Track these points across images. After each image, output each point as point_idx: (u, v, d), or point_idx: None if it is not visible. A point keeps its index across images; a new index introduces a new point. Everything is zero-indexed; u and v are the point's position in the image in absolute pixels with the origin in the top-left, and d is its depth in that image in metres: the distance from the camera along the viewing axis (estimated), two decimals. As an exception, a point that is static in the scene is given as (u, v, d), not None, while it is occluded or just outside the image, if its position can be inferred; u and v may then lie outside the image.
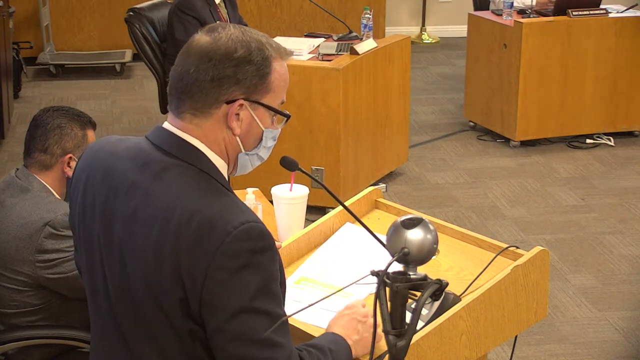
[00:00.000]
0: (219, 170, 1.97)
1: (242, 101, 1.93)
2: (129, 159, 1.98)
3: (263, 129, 1.99)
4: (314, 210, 4.32)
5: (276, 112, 1.99)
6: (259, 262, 1.86)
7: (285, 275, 2.05)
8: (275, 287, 1.90)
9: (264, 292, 1.87)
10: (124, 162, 1.98)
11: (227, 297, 1.85)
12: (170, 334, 1.92)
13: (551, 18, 6.29)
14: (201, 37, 1.96)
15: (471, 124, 6.81)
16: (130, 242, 1.93)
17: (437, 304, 2.11)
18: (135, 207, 1.92)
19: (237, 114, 1.94)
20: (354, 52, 5.29)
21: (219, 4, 5.52)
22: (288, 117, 2.02)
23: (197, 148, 1.95)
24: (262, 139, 2.00)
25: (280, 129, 2.04)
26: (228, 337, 1.87)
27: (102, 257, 2.00)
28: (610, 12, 6.38)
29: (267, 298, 1.87)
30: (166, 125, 2.00)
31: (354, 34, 5.76)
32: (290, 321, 2.16)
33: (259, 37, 1.97)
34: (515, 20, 6.22)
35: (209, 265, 1.84)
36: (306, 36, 6.00)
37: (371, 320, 2.15)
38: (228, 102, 1.93)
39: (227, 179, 2.02)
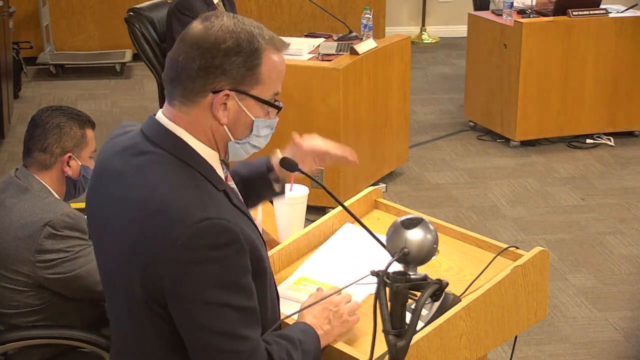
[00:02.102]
0: (204, 161, 1.99)
1: (227, 92, 1.94)
2: (122, 148, 2.03)
3: (253, 119, 1.99)
4: (314, 210, 4.31)
5: (266, 103, 1.99)
6: (221, 256, 1.87)
7: (271, 266, 2.07)
8: (243, 280, 1.91)
9: (228, 285, 1.88)
10: (118, 152, 2.03)
11: (187, 288, 1.87)
12: (145, 318, 1.96)
13: (551, 18, 6.29)
14: (195, 26, 1.98)
15: (471, 124, 6.81)
16: (112, 229, 1.99)
17: (437, 304, 2.11)
18: (118, 196, 1.98)
19: (224, 104, 1.95)
20: (354, 52, 5.29)
21: (217, 3, 5.52)
22: (279, 109, 2.03)
23: (181, 138, 1.97)
24: (252, 128, 2.00)
25: (277, 119, 2.05)
26: (191, 325, 1.90)
27: (100, 242, 2.08)
28: (610, 12, 6.38)
29: (232, 291, 1.89)
30: (158, 114, 2.03)
31: (354, 34, 5.75)
32: (290, 321, 2.17)
33: (251, 28, 1.97)
34: (515, 20, 6.22)
35: (169, 257, 1.86)
36: (306, 36, 6.00)
37: (343, 308, 2.18)
38: (214, 92, 1.94)
39: (222, 166, 2.04)
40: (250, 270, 1.92)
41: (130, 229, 1.93)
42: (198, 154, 1.98)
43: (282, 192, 2.44)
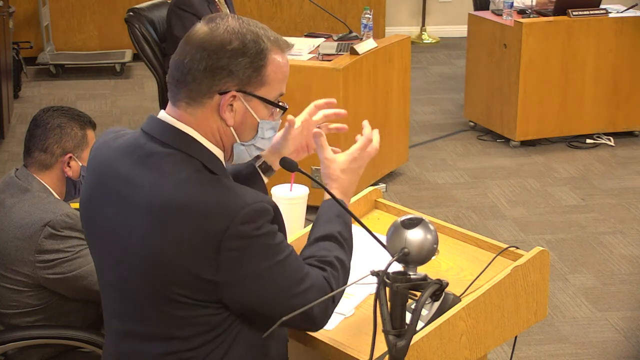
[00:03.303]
0: (215, 157, 2.00)
1: (234, 93, 1.96)
2: (125, 153, 2.01)
3: (258, 120, 2.00)
4: (314, 210, 4.30)
5: (271, 104, 2.01)
6: (263, 232, 1.93)
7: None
8: (279, 238, 1.98)
9: (275, 247, 1.96)
10: (121, 157, 2.01)
11: (247, 267, 1.92)
12: (163, 316, 1.96)
13: (551, 18, 6.29)
14: (200, 27, 1.98)
15: (471, 124, 6.81)
16: (128, 232, 1.96)
17: (437, 304, 2.11)
18: (132, 198, 1.96)
19: (231, 105, 1.96)
20: (354, 52, 5.29)
21: (218, 0, 5.53)
22: (284, 109, 2.04)
23: (190, 136, 1.98)
24: (257, 130, 2.02)
25: (280, 120, 2.06)
26: (265, 293, 1.95)
27: (104, 247, 2.05)
28: (610, 12, 6.38)
29: (280, 249, 1.96)
30: (161, 114, 2.02)
31: (354, 34, 5.76)
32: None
33: (257, 30, 1.98)
34: (515, 20, 6.22)
35: (219, 250, 1.89)
36: (306, 36, 6.00)
37: (364, 155, 2.29)
38: (221, 93, 1.95)
39: (224, 166, 2.05)
40: (278, 229, 1.99)
41: (155, 232, 1.92)
42: (209, 150, 1.99)
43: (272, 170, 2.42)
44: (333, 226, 2.13)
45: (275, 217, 1.99)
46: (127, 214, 1.97)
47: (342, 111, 2.39)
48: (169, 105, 2.02)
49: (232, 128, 1.99)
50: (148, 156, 1.97)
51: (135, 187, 1.96)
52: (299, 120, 2.37)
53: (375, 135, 2.28)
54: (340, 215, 2.15)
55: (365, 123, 2.29)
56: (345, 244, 2.12)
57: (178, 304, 1.94)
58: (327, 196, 2.19)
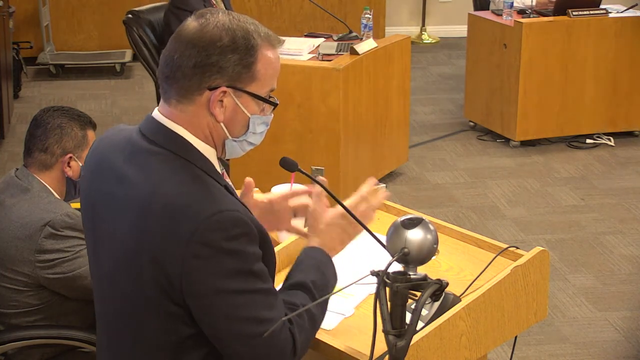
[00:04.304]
0: (204, 157, 1.99)
1: (224, 88, 1.94)
2: (119, 149, 2.02)
3: (249, 115, 1.99)
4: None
5: (262, 100, 1.99)
6: (234, 247, 1.88)
7: (275, 254, 2.06)
8: (257, 267, 1.92)
9: (244, 273, 1.89)
10: (115, 153, 2.03)
11: (206, 281, 1.87)
12: (153, 320, 1.95)
13: (551, 18, 6.29)
14: (190, 23, 1.98)
15: (471, 124, 6.81)
16: (114, 229, 1.97)
17: (437, 304, 2.11)
18: (120, 196, 1.97)
19: (221, 101, 1.95)
20: (354, 52, 5.29)
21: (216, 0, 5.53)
22: (275, 105, 2.03)
23: (180, 136, 1.97)
24: (249, 125, 2.01)
25: (271, 115, 2.05)
26: (215, 318, 1.90)
27: (96, 244, 2.06)
28: (610, 12, 6.38)
29: (249, 278, 1.90)
30: (155, 112, 2.03)
31: (354, 34, 5.76)
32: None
33: (247, 25, 1.97)
34: (515, 20, 6.22)
35: (184, 253, 1.86)
36: (306, 36, 6.00)
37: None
38: (211, 89, 1.94)
39: (218, 163, 2.04)
40: (261, 256, 1.93)
41: (137, 230, 1.92)
42: (197, 150, 1.98)
43: None
44: (307, 275, 2.06)
45: (264, 244, 1.94)
46: (114, 210, 1.98)
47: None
48: (161, 102, 2.02)
49: (222, 124, 1.98)
50: (137, 154, 1.98)
51: (122, 184, 1.97)
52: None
53: (375, 196, 2.17)
54: (318, 267, 2.09)
55: (369, 180, 2.19)
56: (317, 294, 2.04)
57: (154, 311, 1.93)
58: (312, 243, 2.14)
